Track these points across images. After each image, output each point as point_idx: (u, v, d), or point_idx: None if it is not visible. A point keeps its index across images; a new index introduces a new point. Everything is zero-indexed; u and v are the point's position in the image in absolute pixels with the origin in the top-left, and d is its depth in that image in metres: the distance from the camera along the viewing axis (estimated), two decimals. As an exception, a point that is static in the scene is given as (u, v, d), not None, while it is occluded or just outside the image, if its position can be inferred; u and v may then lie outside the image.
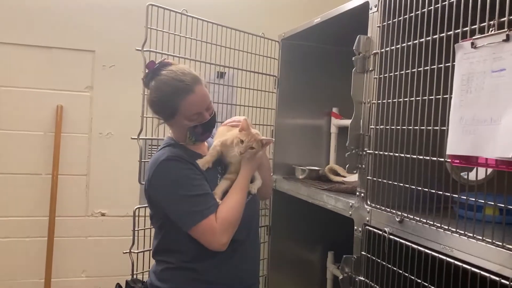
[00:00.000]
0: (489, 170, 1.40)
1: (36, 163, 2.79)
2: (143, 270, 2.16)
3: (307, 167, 2.57)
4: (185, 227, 1.54)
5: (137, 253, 2.13)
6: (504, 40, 1.07)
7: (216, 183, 1.64)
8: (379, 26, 1.64)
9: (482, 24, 1.16)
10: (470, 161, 1.18)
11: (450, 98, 1.24)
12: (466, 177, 1.42)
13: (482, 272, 1.11)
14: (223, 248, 1.54)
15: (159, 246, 1.68)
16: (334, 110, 2.76)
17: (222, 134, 1.72)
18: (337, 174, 2.49)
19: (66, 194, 2.83)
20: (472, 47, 1.16)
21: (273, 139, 1.71)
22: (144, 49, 2.05)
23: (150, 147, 2.52)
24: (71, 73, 2.83)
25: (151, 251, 1.76)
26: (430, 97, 1.36)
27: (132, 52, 2.13)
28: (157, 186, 1.58)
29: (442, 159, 1.33)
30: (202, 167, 1.60)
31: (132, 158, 2.76)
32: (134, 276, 2.09)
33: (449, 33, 1.28)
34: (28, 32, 2.76)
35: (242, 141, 1.59)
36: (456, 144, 1.19)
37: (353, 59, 1.73)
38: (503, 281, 1.05)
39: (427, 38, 1.38)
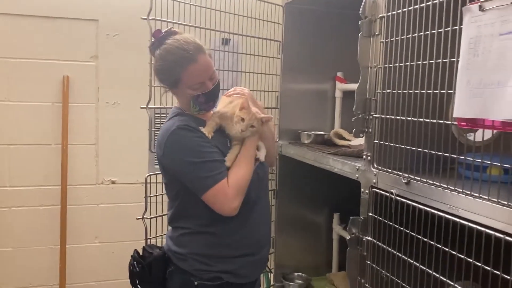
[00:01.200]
0: (495, 131, 1.42)
1: (45, 134, 2.84)
2: (156, 235, 2.22)
3: (313, 132, 2.59)
4: (199, 192, 1.58)
5: (150, 218, 2.19)
6: (512, 3, 1.08)
7: (226, 149, 1.67)
8: (385, -11, 1.63)
9: (490, -14, 1.16)
10: (476, 124, 1.20)
11: (457, 61, 1.26)
12: (471, 138, 1.45)
13: (487, 230, 1.15)
14: (234, 213, 1.59)
15: (175, 212, 1.73)
16: (339, 74, 2.76)
17: (224, 105, 1.74)
18: (342, 138, 2.51)
19: (76, 163, 2.89)
20: (480, 10, 1.17)
21: (271, 116, 1.73)
22: (150, 18, 2.05)
23: (158, 115, 2.54)
24: (76, 43, 2.84)
25: (167, 217, 1.80)
26: (437, 61, 1.37)
27: (136, 21, 2.13)
28: (171, 156, 1.62)
29: (448, 122, 1.35)
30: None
31: (139, 126, 2.81)
32: (148, 241, 2.15)
33: (457, -5, 1.28)
34: (31, 3, 2.75)
35: (243, 119, 1.61)
36: (463, 107, 1.21)
37: (359, 23, 1.72)
38: (507, 238, 1.09)
39: (434, 1, 1.38)
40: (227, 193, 1.56)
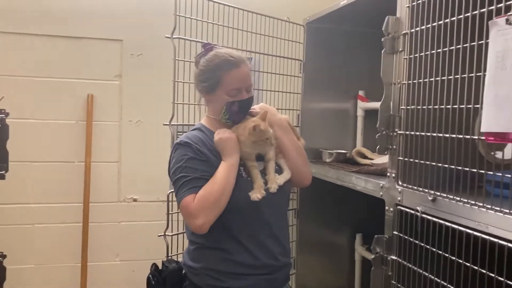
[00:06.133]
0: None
1: (69, 151, 2.88)
2: (177, 252, 2.22)
3: (335, 151, 2.58)
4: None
5: (171, 235, 2.19)
6: (539, 16, 1.07)
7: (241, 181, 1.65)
8: (408, 6, 1.64)
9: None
10: (505, 138, 1.18)
11: (483, 76, 1.24)
12: (498, 155, 1.42)
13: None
14: (201, 230, 1.55)
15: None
16: (361, 93, 2.76)
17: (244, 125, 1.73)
18: (365, 157, 2.50)
19: (99, 181, 2.92)
20: (507, 24, 1.16)
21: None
22: (174, 36, 2.09)
23: (181, 133, 2.56)
24: (100, 62, 2.89)
25: (184, 234, 1.81)
26: (462, 76, 1.36)
27: (158, 40, 2.18)
28: (169, 169, 1.69)
29: (475, 137, 1.33)
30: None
31: (161, 145, 2.83)
32: (169, 258, 2.15)
33: (481, 10, 1.28)
34: (58, 24, 2.83)
35: (255, 128, 1.61)
36: (491, 121, 1.20)
37: (382, 40, 1.72)
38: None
39: (459, 17, 1.37)
40: (188, 208, 1.55)
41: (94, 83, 2.89)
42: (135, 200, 2.98)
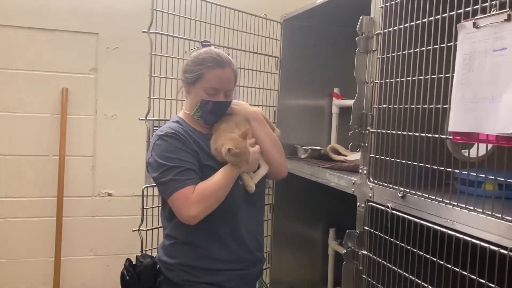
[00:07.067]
0: (489, 147, 1.44)
1: (43, 145, 2.84)
2: (152, 247, 2.22)
3: (309, 147, 2.62)
4: (165, 195, 1.61)
5: (146, 230, 2.19)
6: (505, 20, 1.10)
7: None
8: (382, 7, 1.67)
9: (484, 4, 1.19)
10: (471, 138, 1.22)
11: (451, 77, 1.28)
12: (466, 154, 1.47)
13: (482, 243, 1.16)
14: (192, 221, 1.58)
15: (164, 217, 1.76)
16: (336, 90, 2.79)
17: (228, 124, 1.74)
18: (339, 153, 2.54)
19: (73, 175, 2.89)
20: (474, 27, 1.20)
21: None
22: (150, 31, 2.08)
23: (157, 127, 2.56)
24: (76, 55, 2.85)
25: (159, 229, 1.81)
26: (432, 76, 1.40)
27: (135, 34, 2.16)
28: (152, 157, 1.65)
29: (443, 136, 1.37)
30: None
31: (136, 139, 2.83)
32: (143, 253, 2.15)
33: (451, 13, 1.31)
34: (33, 15, 2.78)
35: (230, 150, 1.60)
36: (458, 121, 1.24)
37: (356, 39, 1.75)
38: (502, 251, 1.10)
39: (430, 19, 1.41)
40: (187, 199, 1.56)
41: (69, 76, 2.85)
42: (109, 194, 2.96)
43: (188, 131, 1.69)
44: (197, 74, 1.68)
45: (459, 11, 1.28)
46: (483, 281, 1.17)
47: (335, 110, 2.79)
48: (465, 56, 1.23)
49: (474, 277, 1.20)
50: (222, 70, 1.68)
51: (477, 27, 1.19)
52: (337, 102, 2.78)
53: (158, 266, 1.75)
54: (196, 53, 1.74)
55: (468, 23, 1.22)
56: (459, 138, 1.26)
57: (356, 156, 2.20)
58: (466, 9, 1.25)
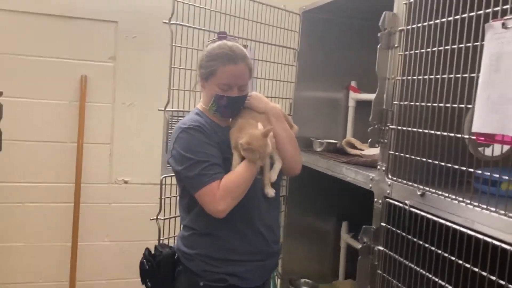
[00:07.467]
0: (506, 147, 1.43)
1: (61, 131, 2.88)
2: (169, 235, 2.25)
3: (325, 140, 2.62)
4: (192, 189, 1.63)
5: (164, 219, 2.22)
6: (535, 22, 1.10)
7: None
8: (405, 3, 1.65)
9: (513, 5, 1.18)
10: (494, 139, 1.22)
11: (476, 77, 1.27)
12: (485, 152, 1.46)
13: (503, 245, 1.16)
14: (220, 215, 1.60)
15: (183, 210, 1.78)
16: (353, 84, 2.78)
17: (248, 120, 1.74)
18: (354, 147, 2.53)
19: (91, 162, 2.93)
20: (503, 28, 1.18)
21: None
22: (171, 22, 2.09)
23: (176, 118, 2.57)
24: (95, 43, 2.88)
25: (176, 218, 1.82)
26: (457, 75, 1.38)
27: (154, 24, 2.16)
28: (176, 150, 1.66)
29: (466, 136, 1.36)
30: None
31: (153, 128, 2.85)
32: (161, 242, 2.18)
33: (478, 12, 1.30)
34: (52, 2, 2.79)
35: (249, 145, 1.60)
36: (482, 122, 1.23)
37: (378, 35, 1.73)
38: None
39: (456, 17, 1.40)
40: (215, 194, 1.58)
41: (88, 64, 2.87)
42: (126, 182, 3.00)
43: (209, 124, 1.71)
44: (210, 70, 1.68)
45: (487, 11, 1.26)
46: (503, 282, 1.17)
47: (351, 103, 2.78)
48: (492, 56, 1.21)
49: (494, 278, 1.20)
50: (235, 66, 1.67)
51: (506, 28, 1.18)
52: (353, 96, 2.77)
53: (176, 256, 1.77)
54: (210, 47, 1.73)
55: (497, 23, 1.20)
56: (483, 138, 1.25)
57: (372, 151, 2.19)
58: (495, 9, 1.24)
